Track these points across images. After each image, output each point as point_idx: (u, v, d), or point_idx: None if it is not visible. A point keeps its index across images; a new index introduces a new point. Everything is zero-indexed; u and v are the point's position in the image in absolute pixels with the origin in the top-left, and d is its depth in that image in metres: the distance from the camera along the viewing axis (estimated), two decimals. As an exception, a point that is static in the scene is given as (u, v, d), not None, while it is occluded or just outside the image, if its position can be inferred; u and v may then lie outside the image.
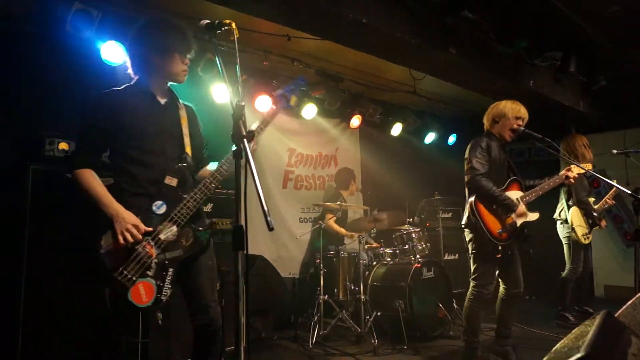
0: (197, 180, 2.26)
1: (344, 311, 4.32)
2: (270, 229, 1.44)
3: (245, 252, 1.55)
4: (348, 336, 4.34)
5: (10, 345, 2.93)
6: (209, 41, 1.84)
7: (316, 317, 4.22)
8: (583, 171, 3.36)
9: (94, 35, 3.47)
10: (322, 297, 4.27)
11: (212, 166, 2.31)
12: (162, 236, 2.09)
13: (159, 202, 2.13)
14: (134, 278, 1.99)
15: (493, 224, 3.19)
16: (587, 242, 4.52)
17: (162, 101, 2.27)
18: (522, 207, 3.20)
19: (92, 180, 2.09)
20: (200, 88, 4.39)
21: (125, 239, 1.98)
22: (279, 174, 5.58)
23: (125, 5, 3.60)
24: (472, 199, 3.23)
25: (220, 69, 1.74)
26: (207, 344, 2.25)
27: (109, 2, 3.53)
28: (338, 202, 4.69)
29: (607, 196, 4.66)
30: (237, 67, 1.74)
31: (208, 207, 3.62)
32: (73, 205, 2.99)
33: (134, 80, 2.24)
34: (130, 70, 2.23)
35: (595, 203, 4.63)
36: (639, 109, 6.02)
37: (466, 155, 3.30)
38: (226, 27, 1.81)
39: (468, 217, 3.25)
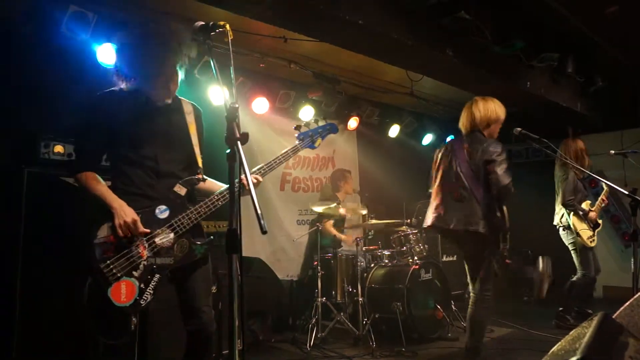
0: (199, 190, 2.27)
1: (341, 313, 4.31)
2: (264, 232, 1.43)
3: (239, 255, 1.54)
4: (346, 338, 4.32)
5: (6, 347, 2.92)
6: (203, 43, 1.83)
7: (314, 320, 4.20)
8: None
9: (90, 38, 3.46)
10: (319, 299, 4.25)
11: (220, 183, 2.32)
12: (157, 240, 2.08)
13: (163, 207, 2.13)
14: (118, 274, 1.98)
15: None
16: (593, 244, 4.49)
17: (161, 103, 2.24)
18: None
19: (94, 181, 2.10)
20: (197, 90, 4.38)
21: (122, 230, 1.99)
22: (276, 176, 5.57)
23: (120, 7, 3.59)
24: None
25: (214, 70, 1.73)
26: (200, 349, 2.23)
27: (104, 4, 3.52)
28: (334, 205, 4.68)
29: (602, 195, 4.65)
30: (232, 69, 1.73)
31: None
32: (68, 208, 2.99)
33: (130, 83, 2.21)
34: (116, 78, 2.18)
35: (592, 205, 4.62)
36: (636, 110, 6.03)
37: (500, 157, 3.09)
38: (220, 29, 1.80)
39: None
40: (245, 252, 1.57)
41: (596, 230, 4.54)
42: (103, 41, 3.50)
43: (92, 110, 2.17)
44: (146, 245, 2.05)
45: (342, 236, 5.02)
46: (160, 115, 2.23)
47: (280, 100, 5.14)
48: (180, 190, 2.18)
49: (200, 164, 2.29)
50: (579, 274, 4.55)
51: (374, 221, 4.69)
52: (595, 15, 4.33)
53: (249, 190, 1.48)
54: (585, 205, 4.56)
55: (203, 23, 1.82)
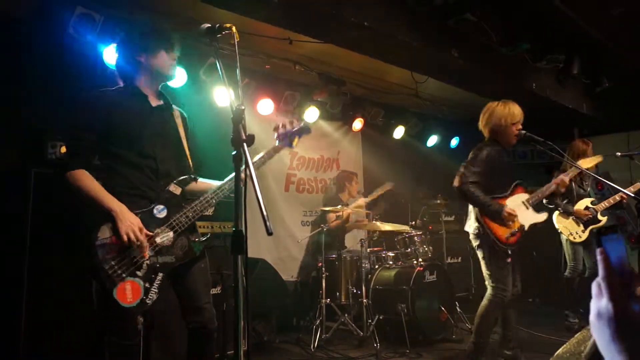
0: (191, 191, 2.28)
1: (346, 315, 4.30)
2: (269, 233, 1.43)
3: (244, 256, 1.55)
4: (350, 340, 4.32)
5: (12, 347, 2.93)
6: (209, 45, 1.84)
7: (318, 321, 4.20)
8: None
9: (97, 39, 3.48)
10: (324, 300, 4.26)
11: (211, 182, 2.34)
12: (158, 239, 2.09)
13: (161, 207, 2.15)
14: (123, 275, 1.98)
15: (500, 229, 3.18)
16: (578, 240, 4.55)
17: (154, 104, 2.28)
18: (507, 209, 3.17)
19: (88, 179, 2.07)
20: (203, 91, 4.40)
21: (129, 238, 1.99)
22: (281, 177, 5.58)
23: (127, 9, 3.61)
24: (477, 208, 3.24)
25: (220, 72, 1.74)
26: (202, 346, 2.24)
27: (111, 6, 3.54)
28: (339, 206, 4.68)
29: (615, 196, 4.62)
30: (238, 71, 1.73)
31: (210, 211, 3.61)
32: (75, 208, 3.00)
33: (125, 83, 2.26)
34: (117, 78, 2.27)
35: (594, 203, 4.62)
36: (642, 111, 5.99)
37: (466, 161, 3.29)
38: (226, 31, 1.81)
39: (477, 226, 3.24)
40: (250, 253, 1.57)
41: (590, 227, 4.54)
42: (109, 42, 3.53)
43: (87, 107, 2.16)
44: (147, 244, 2.06)
45: (339, 221, 4.97)
46: (156, 115, 2.27)
47: (285, 102, 5.15)
48: (176, 189, 2.21)
49: (191, 165, 2.34)
50: (568, 266, 4.65)
51: (378, 223, 4.68)
52: (601, 16, 4.31)
53: (255, 192, 1.48)
54: (583, 203, 4.56)
55: (209, 25, 1.83)
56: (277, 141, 2.42)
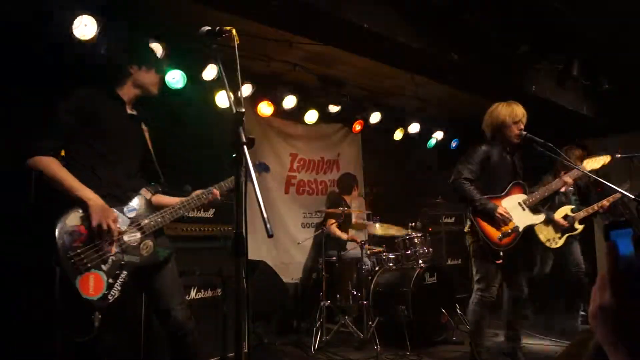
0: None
1: (346, 317, 4.30)
2: (270, 235, 1.44)
3: (245, 258, 1.55)
4: (351, 342, 4.31)
5: (12, 348, 2.93)
6: (209, 47, 1.84)
7: (318, 323, 4.20)
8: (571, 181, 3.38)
9: (97, 42, 3.47)
10: (324, 302, 4.25)
11: (173, 198, 2.40)
12: (125, 237, 2.12)
13: (131, 206, 2.18)
14: (88, 265, 1.97)
15: (492, 230, 3.18)
16: (554, 246, 4.56)
17: (130, 112, 2.35)
18: (500, 209, 3.16)
19: (58, 166, 2.04)
20: (203, 94, 4.40)
21: (100, 229, 1.99)
22: (281, 179, 5.58)
23: (126, 13, 3.61)
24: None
25: (221, 75, 1.75)
26: (179, 348, 2.24)
27: (111, 9, 3.54)
28: (340, 208, 4.68)
29: (588, 208, 4.61)
30: (238, 74, 1.74)
31: (210, 213, 3.62)
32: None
33: (106, 84, 2.32)
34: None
35: (574, 211, 4.63)
36: (642, 113, 5.98)
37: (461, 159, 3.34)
38: (226, 34, 1.81)
39: (469, 225, 3.25)
40: (250, 255, 1.58)
41: (567, 234, 4.55)
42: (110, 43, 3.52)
43: (69, 95, 2.16)
44: (116, 238, 2.08)
45: (346, 236, 5.01)
46: (131, 121, 2.35)
47: (285, 104, 5.16)
48: (147, 194, 2.27)
49: (160, 175, 2.43)
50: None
51: (378, 225, 4.68)
52: (601, 17, 4.31)
53: (256, 194, 1.49)
54: (563, 210, 4.57)
55: (209, 28, 1.83)
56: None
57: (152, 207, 2.26)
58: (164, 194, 2.42)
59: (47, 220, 2.02)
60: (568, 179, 3.34)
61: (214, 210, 3.64)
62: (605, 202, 4.56)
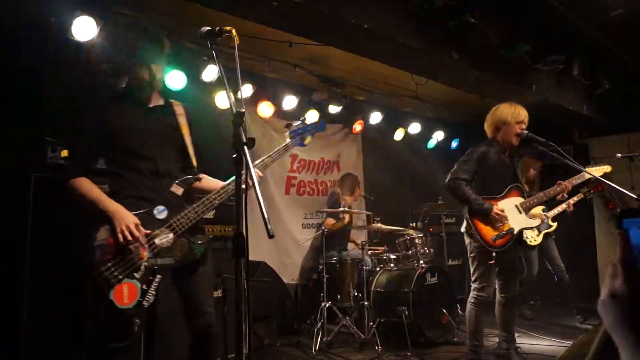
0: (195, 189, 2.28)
1: (347, 317, 4.29)
2: (270, 236, 1.43)
3: (246, 259, 1.54)
4: (351, 342, 4.31)
5: (13, 352, 2.93)
6: (209, 48, 1.84)
7: (319, 324, 4.19)
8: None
9: (97, 44, 3.47)
10: (325, 303, 4.25)
11: (216, 181, 2.34)
12: (157, 241, 2.09)
13: (161, 207, 2.13)
14: (120, 276, 1.98)
15: (487, 231, 3.18)
16: (533, 244, 4.77)
17: (152, 104, 2.28)
18: (496, 209, 3.16)
19: (88, 185, 2.08)
20: (203, 94, 4.40)
21: (124, 236, 1.98)
22: (281, 179, 5.57)
23: (126, 13, 3.61)
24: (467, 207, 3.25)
25: (221, 75, 1.74)
26: (203, 348, 2.26)
27: (111, 10, 3.54)
28: (341, 209, 4.67)
29: (558, 207, 4.73)
30: (238, 74, 1.73)
31: (210, 214, 3.61)
32: (75, 212, 3.00)
33: (121, 85, 2.25)
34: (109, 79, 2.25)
35: (545, 210, 4.71)
36: (643, 113, 5.98)
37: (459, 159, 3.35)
38: (226, 34, 1.81)
39: (466, 225, 3.26)
40: (251, 256, 1.57)
41: (543, 231, 4.78)
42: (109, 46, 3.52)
43: (84, 112, 2.18)
44: (146, 246, 2.06)
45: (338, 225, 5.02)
46: (153, 116, 2.26)
47: (285, 104, 5.15)
48: (177, 190, 2.19)
49: (195, 164, 2.32)
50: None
51: (379, 225, 4.67)
52: (602, 17, 4.31)
53: (256, 194, 1.48)
54: (536, 210, 4.57)
55: (209, 28, 1.83)
56: (288, 139, 2.41)
57: (183, 204, 2.18)
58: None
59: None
60: (567, 184, 3.35)
61: (214, 210, 3.64)
62: (571, 202, 4.69)
